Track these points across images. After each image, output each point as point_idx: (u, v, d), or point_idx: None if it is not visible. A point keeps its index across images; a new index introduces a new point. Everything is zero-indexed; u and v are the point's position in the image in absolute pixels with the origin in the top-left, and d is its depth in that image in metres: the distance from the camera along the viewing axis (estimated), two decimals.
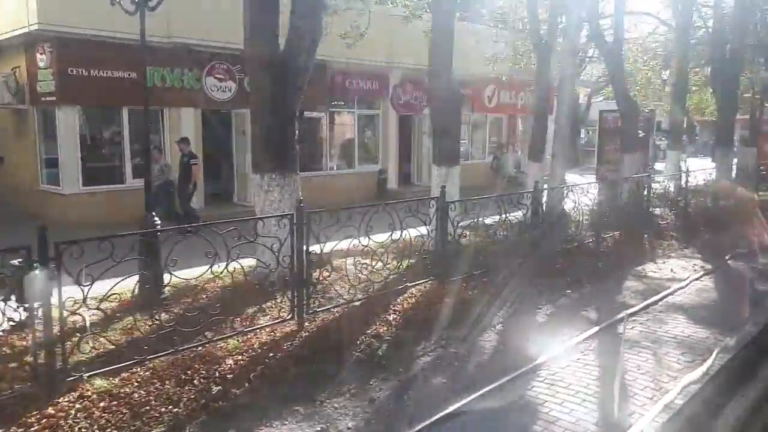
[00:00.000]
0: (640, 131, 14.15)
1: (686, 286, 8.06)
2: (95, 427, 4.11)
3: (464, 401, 4.58)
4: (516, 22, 16.58)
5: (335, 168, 17.72)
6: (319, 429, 4.37)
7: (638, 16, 24.56)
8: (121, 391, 4.55)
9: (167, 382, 4.73)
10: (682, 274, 8.70)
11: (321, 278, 6.45)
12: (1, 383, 4.42)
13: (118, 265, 4.74)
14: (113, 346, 5.31)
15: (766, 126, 23.02)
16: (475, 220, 8.01)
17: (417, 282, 7.26)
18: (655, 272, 8.84)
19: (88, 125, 12.74)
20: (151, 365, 4.98)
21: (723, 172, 17.53)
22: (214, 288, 6.69)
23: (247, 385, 4.87)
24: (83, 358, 4.91)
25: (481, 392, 4.79)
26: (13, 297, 4.35)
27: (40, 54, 11.94)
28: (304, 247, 5.81)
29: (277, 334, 5.71)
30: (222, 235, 5.32)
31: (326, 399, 4.78)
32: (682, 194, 12.88)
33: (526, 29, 14.26)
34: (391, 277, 7.09)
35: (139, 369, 4.93)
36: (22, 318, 4.41)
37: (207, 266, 5.40)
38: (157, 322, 5.52)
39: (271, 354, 5.32)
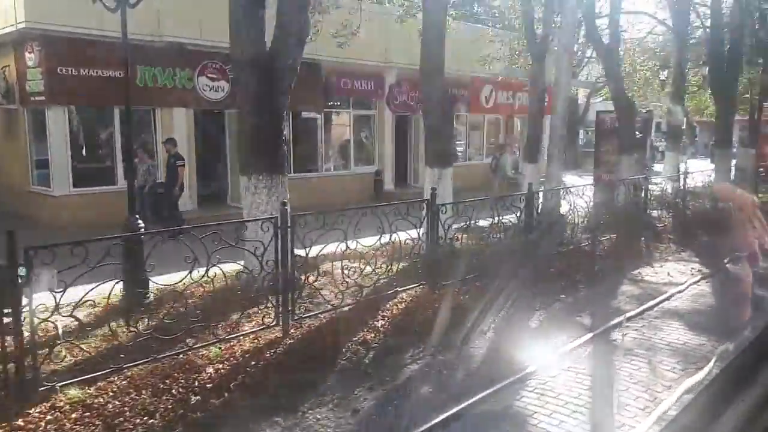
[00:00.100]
0: (637, 132, 13.99)
1: (683, 291, 7.91)
2: None
3: (450, 412, 4.42)
4: (512, 21, 16.40)
5: (331, 169, 17.57)
6: None
7: (636, 15, 24.42)
8: (96, 401, 4.39)
9: (144, 391, 4.58)
10: (679, 278, 8.54)
11: (307, 283, 6.30)
12: None
13: (103, 270, 4.61)
14: (91, 354, 5.18)
15: (766, 127, 22.90)
16: (468, 222, 7.84)
17: (407, 287, 7.11)
18: (651, 276, 8.68)
19: (78, 125, 12.56)
20: (129, 374, 4.83)
21: (722, 174, 17.41)
22: (201, 293, 6.54)
23: (227, 395, 4.72)
24: (59, 367, 4.76)
25: (467, 403, 4.63)
26: None
27: (29, 53, 11.77)
28: (289, 251, 5.65)
29: (261, 341, 5.55)
30: (202, 239, 5.16)
31: (308, 410, 4.63)
32: (680, 196, 12.74)
33: (522, 28, 14.09)
34: (381, 281, 6.95)
35: (116, 378, 4.78)
36: None
37: (193, 270, 5.25)
38: (137, 328, 5.39)
39: (253, 362, 5.17)
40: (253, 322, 5.93)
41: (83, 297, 4.60)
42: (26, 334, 4.29)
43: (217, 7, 11.63)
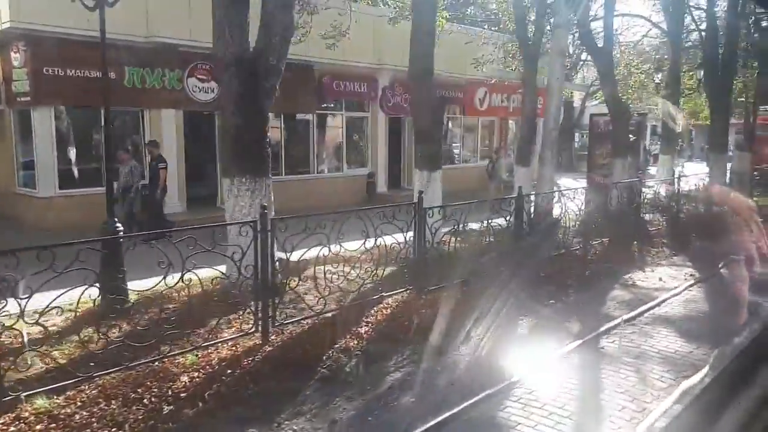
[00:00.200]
0: (631, 135, 13.88)
1: (674, 296, 7.77)
2: None
3: (429, 424, 4.27)
4: (506, 23, 16.30)
5: (323, 171, 17.44)
6: None
7: (631, 18, 24.35)
8: (62, 411, 4.24)
9: (114, 401, 4.42)
10: (670, 283, 8.41)
11: (289, 288, 6.15)
12: None
13: (81, 274, 4.47)
14: (59, 362, 5.02)
15: (761, 130, 22.80)
16: (456, 226, 7.69)
17: (393, 292, 6.96)
18: (643, 281, 8.55)
19: (68, 126, 12.40)
20: (100, 382, 4.68)
21: (717, 177, 17.31)
22: (181, 299, 6.37)
23: (201, 404, 4.56)
24: (25, 376, 4.59)
25: (449, 413, 4.48)
26: None
27: (15, 53, 11.62)
28: (269, 256, 5.50)
29: (239, 349, 5.40)
30: (176, 244, 5.01)
31: (284, 420, 4.47)
32: (674, 200, 12.63)
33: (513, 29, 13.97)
34: (366, 286, 6.79)
35: (87, 387, 4.62)
36: None
37: (177, 274, 5.10)
38: (112, 334, 5.24)
39: (230, 370, 5.01)
40: (233, 329, 5.79)
41: (49, 304, 4.44)
42: None
43: (206, 8, 11.46)
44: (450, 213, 7.82)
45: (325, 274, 6.27)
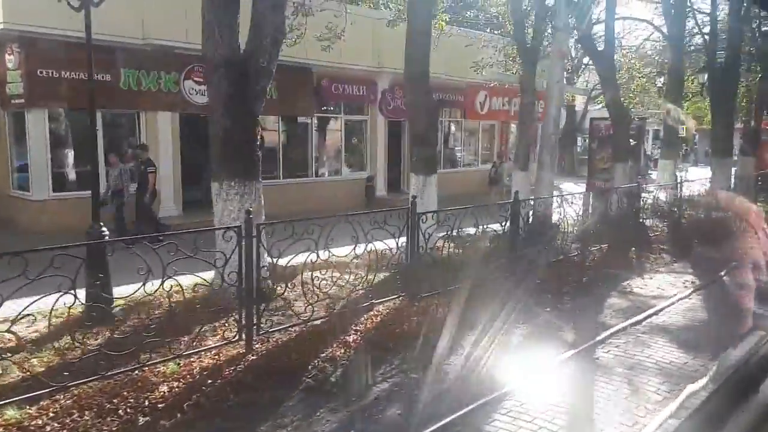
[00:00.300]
0: (631, 139, 13.72)
1: (672, 304, 7.60)
2: None
3: None
4: (507, 26, 16.15)
5: (322, 175, 17.33)
6: None
7: (633, 22, 24.19)
8: (33, 423, 4.11)
9: (88, 412, 4.29)
10: (669, 291, 8.24)
11: (276, 295, 6.02)
12: None
13: (64, 280, 4.36)
14: (42, 369, 4.90)
15: (765, 135, 22.62)
16: (449, 232, 7.54)
17: (384, 299, 6.82)
18: (641, 288, 8.39)
19: (59, 129, 12.31)
20: (76, 392, 4.54)
21: (720, 182, 17.11)
22: (167, 305, 6.22)
23: (179, 415, 4.42)
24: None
25: (436, 426, 4.32)
26: None
27: (9, 55, 11.52)
28: (254, 262, 5.36)
29: (222, 358, 5.26)
30: (157, 249, 4.87)
31: None
32: (675, 205, 12.46)
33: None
34: (357, 293, 6.65)
35: (62, 396, 4.49)
36: None
37: (161, 280, 4.98)
38: (94, 342, 5.12)
39: (210, 380, 4.88)
40: (218, 337, 5.66)
41: (21, 312, 4.31)
42: None
43: None
44: (444, 218, 7.67)
45: (313, 280, 6.12)
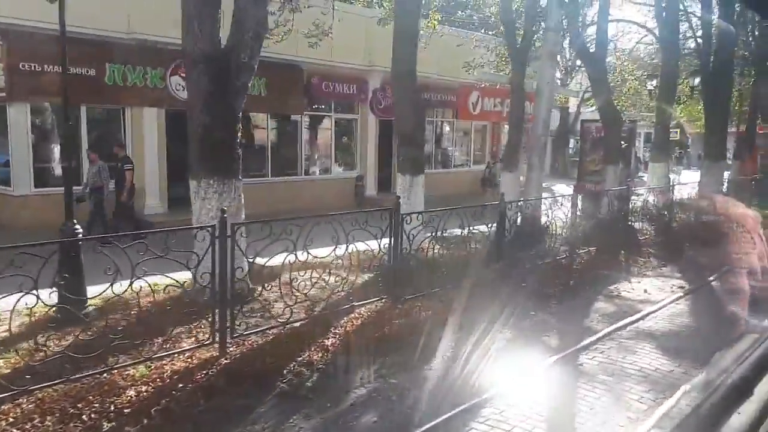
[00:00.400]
0: (622, 142, 13.63)
1: (659, 309, 7.49)
2: None
3: None
4: (500, 26, 16.05)
5: (312, 173, 17.17)
6: None
7: (627, 24, 24.11)
8: None
9: (50, 417, 4.12)
10: (656, 295, 8.14)
11: (252, 297, 5.86)
12: None
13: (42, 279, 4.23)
14: (8, 371, 4.73)
15: (760, 140, 22.60)
16: (434, 233, 7.40)
17: (366, 301, 6.67)
18: (628, 292, 8.28)
19: (41, 123, 12.11)
20: (40, 396, 4.38)
21: (712, 186, 17.05)
22: (146, 305, 6.05)
23: (145, 421, 4.26)
24: None
25: None
26: None
27: None
28: (229, 263, 5.21)
29: (195, 361, 5.10)
30: (126, 249, 4.71)
31: None
32: (665, 208, 12.37)
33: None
34: (338, 295, 6.51)
35: (25, 400, 4.32)
36: None
37: (130, 280, 4.82)
38: (63, 343, 4.95)
39: (181, 384, 4.72)
40: (192, 339, 5.50)
41: None
42: None
43: None
44: (429, 219, 7.54)
45: (291, 282, 5.97)
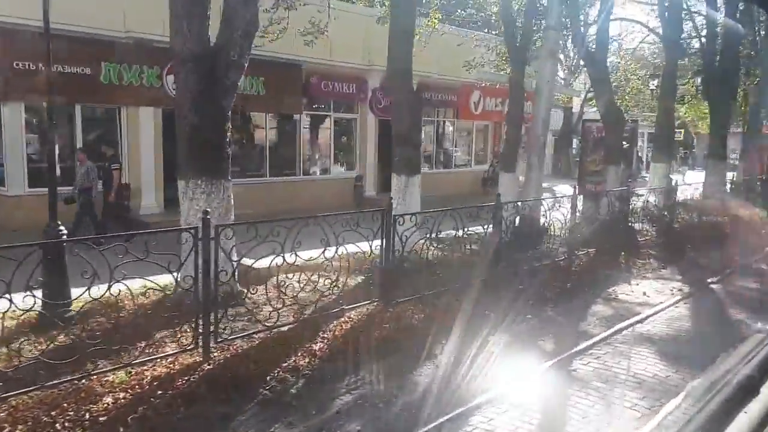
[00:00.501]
0: (624, 142, 13.45)
1: (657, 313, 7.33)
2: None
3: None
4: (500, 24, 15.89)
5: (310, 173, 17.05)
6: None
7: (630, 24, 23.88)
8: None
9: (22, 425, 4.00)
10: (655, 298, 7.97)
11: (239, 300, 5.73)
12: None
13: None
14: None
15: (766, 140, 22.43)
16: (428, 235, 7.25)
17: (356, 304, 6.53)
18: (626, 295, 8.12)
19: (36, 123, 12.01)
20: (14, 403, 4.25)
21: (715, 186, 16.87)
22: (132, 308, 5.93)
23: (121, 429, 4.12)
24: None
25: None
26: None
27: None
28: (212, 266, 5.07)
29: (177, 367, 4.97)
30: (104, 251, 4.59)
31: None
32: (667, 209, 12.20)
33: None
34: (328, 298, 6.37)
35: None
36: None
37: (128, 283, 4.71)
38: (41, 347, 4.82)
39: (161, 391, 4.59)
40: (176, 344, 5.37)
41: None
42: None
43: None
44: (423, 220, 7.39)
45: (278, 284, 5.84)
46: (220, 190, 6.54)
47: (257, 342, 5.60)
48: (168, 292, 5.16)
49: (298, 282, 6.04)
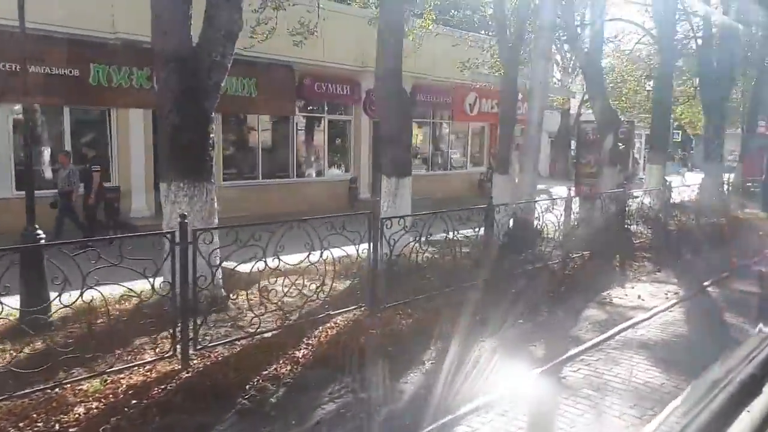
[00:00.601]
0: (620, 143, 13.32)
1: (651, 317, 7.18)
2: None
3: None
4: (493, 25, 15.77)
5: (304, 175, 16.91)
6: None
7: (627, 24, 23.77)
8: None
9: None
10: (649, 302, 7.83)
11: (222, 306, 5.59)
12: None
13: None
14: None
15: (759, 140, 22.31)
16: (418, 238, 7.11)
17: (342, 310, 6.38)
18: (620, 299, 7.97)
19: (24, 125, 11.84)
20: None
21: (712, 188, 16.75)
22: (114, 313, 5.77)
23: None
24: None
25: None
26: None
27: None
28: (190, 271, 4.93)
29: (154, 375, 4.82)
30: (75, 257, 4.44)
31: None
32: (662, 211, 12.06)
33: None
34: (314, 303, 6.22)
35: None
36: None
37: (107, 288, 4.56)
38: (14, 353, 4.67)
39: (135, 400, 4.43)
40: (155, 351, 5.22)
41: None
42: None
43: None
44: (413, 223, 7.25)
45: (260, 290, 5.69)
46: (203, 192, 6.40)
47: (239, 349, 5.45)
48: (144, 299, 4.98)
49: (282, 287, 5.89)
